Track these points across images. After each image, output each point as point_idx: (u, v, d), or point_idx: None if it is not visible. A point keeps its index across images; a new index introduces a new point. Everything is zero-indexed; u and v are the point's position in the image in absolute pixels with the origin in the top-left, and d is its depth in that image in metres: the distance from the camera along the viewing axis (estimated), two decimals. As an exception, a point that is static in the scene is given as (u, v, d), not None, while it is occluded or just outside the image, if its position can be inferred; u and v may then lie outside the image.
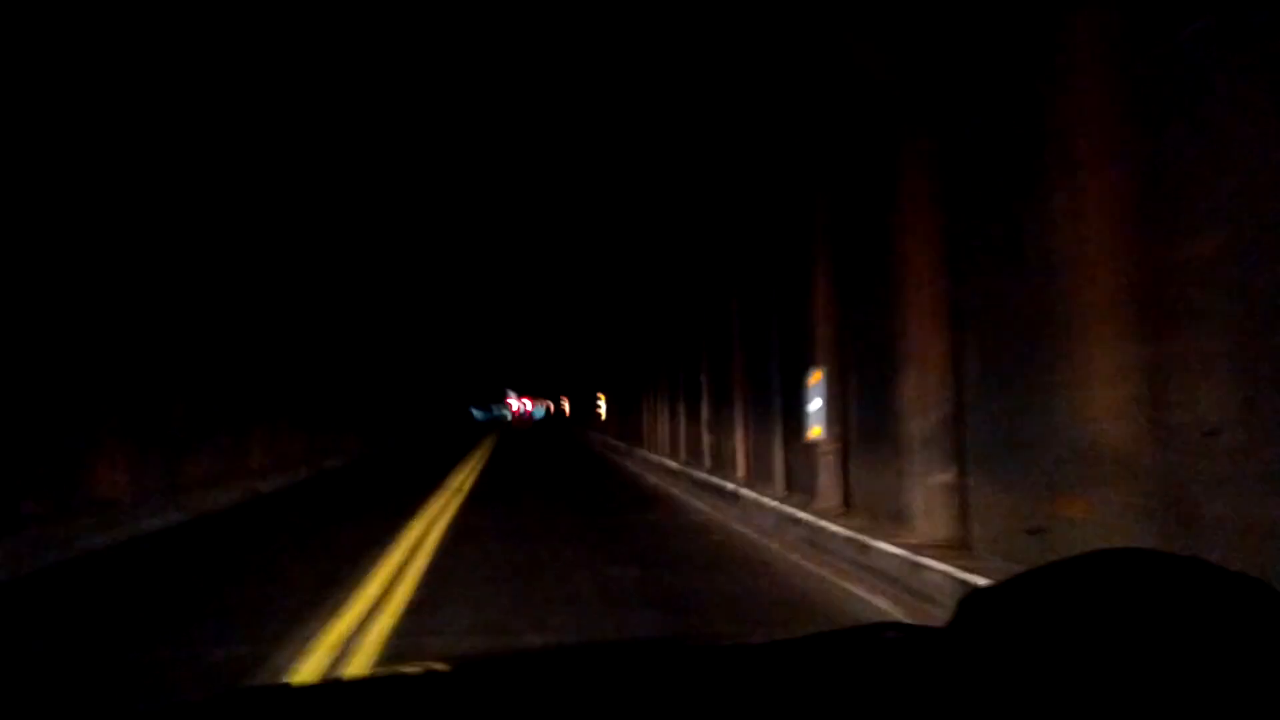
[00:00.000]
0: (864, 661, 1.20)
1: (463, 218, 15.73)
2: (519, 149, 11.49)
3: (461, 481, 13.93)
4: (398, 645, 4.37)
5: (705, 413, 13.11)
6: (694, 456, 13.98)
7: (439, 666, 1.55)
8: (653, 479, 14.08)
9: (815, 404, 7.99)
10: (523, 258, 19.82)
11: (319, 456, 18.69)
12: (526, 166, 12.23)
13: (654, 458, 16.32)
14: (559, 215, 15.53)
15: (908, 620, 4.65)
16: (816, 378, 7.98)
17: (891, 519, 6.60)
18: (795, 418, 8.83)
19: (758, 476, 10.49)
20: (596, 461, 19.60)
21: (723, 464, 12.10)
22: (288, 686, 1.27)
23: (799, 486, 8.99)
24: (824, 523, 7.01)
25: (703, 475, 11.90)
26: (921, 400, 6.10)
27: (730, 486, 10.21)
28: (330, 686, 2.01)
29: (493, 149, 11.51)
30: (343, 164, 11.93)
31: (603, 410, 31.50)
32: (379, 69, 8.84)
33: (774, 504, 8.52)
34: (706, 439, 13.10)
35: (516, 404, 61.15)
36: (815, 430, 7.99)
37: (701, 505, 10.32)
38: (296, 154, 11.28)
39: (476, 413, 61.38)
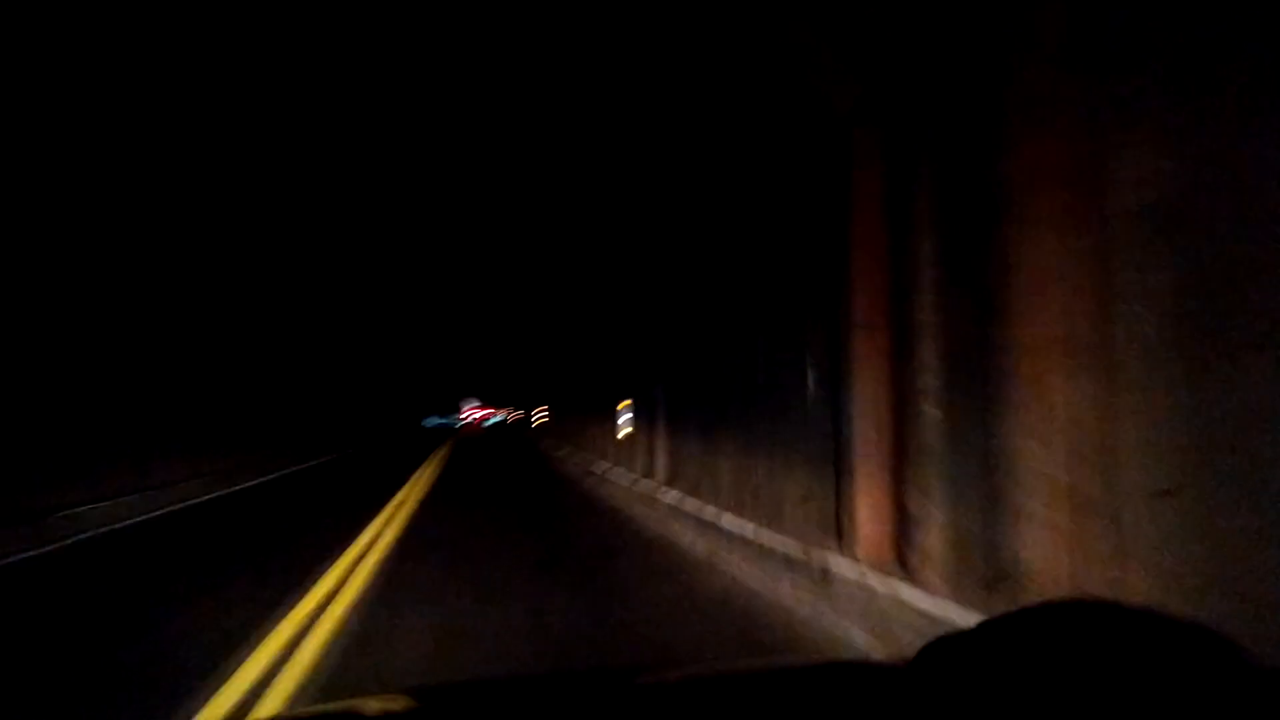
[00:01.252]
0: (826, 698, 1.20)
1: (424, 215, 13.84)
2: (477, 143, 10.35)
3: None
4: None
5: None
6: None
7: (396, 704, 1.48)
8: None
9: None
10: (492, 256, 17.67)
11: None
12: (485, 155, 10.81)
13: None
14: (531, 214, 13.70)
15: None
16: None
17: None
18: None
19: None
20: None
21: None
22: None
23: None
24: None
25: None
26: None
27: None
28: None
29: (448, 144, 10.38)
30: (278, 148, 10.23)
31: (625, 425, 13.21)
32: (322, 78, 8.37)
33: None
34: None
35: (469, 412, 60.42)
36: None
37: None
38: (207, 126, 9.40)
39: (429, 421, 57.89)
